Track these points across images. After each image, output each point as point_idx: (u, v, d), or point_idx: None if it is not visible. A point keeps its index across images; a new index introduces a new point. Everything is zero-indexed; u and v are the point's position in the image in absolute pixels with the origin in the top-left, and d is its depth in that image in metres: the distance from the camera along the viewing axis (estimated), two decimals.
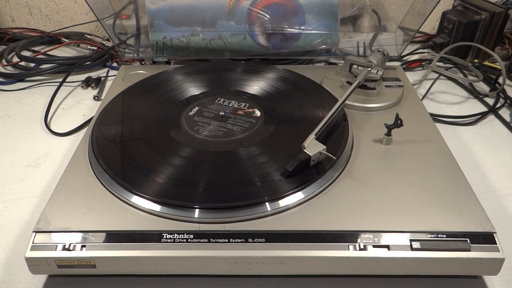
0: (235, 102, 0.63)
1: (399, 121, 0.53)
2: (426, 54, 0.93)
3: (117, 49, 0.87)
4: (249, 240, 0.42)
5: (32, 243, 0.42)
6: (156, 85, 0.68)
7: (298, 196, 0.46)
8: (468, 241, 0.42)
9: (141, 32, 0.86)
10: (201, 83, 0.68)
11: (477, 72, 0.81)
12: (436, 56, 0.84)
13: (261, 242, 0.42)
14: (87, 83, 0.83)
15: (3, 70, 0.88)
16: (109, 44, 0.95)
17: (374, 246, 0.42)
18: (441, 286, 0.45)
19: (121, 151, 0.53)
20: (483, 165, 0.63)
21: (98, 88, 0.82)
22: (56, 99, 0.77)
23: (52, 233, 0.43)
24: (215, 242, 0.42)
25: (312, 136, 0.50)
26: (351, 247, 0.42)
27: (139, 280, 0.45)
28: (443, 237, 0.43)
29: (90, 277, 0.45)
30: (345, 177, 0.50)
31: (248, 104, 0.62)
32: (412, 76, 0.86)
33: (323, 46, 0.86)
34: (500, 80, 0.78)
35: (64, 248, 0.42)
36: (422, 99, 0.78)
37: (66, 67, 0.86)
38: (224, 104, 0.62)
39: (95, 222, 0.44)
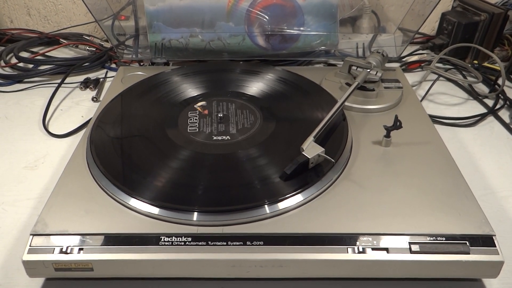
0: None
1: (398, 123, 0.53)
2: (425, 55, 0.93)
3: (115, 50, 0.86)
4: (248, 243, 0.42)
5: (29, 246, 0.42)
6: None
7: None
8: (468, 244, 0.42)
9: (140, 33, 0.86)
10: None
11: (476, 73, 0.81)
12: (436, 57, 0.84)
13: (259, 245, 0.42)
14: (85, 84, 0.82)
15: (1, 72, 0.87)
16: (108, 45, 0.95)
17: (373, 249, 0.42)
18: None
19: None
20: (483, 166, 0.62)
21: (97, 89, 0.82)
22: (54, 101, 0.77)
23: (50, 236, 0.43)
24: (214, 245, 0.42)
25: (310, 139, 0.50)
26: (350, 250, 0.42)
27: (137, 283, 0.45)
28: (443, 240, 0.42)
29: (88, 280, 0.45)
30: (344, 179, 0.50)
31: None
32: (411, 77, 0.85)
33: (322, 47, 0.86)
34: (500, 81, 0.78)
35: (61, 251, 0.42)
36: (421, 100, 0.78)
37: (65, 68, 0.85)
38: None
39: (92, 225, 0.44)
